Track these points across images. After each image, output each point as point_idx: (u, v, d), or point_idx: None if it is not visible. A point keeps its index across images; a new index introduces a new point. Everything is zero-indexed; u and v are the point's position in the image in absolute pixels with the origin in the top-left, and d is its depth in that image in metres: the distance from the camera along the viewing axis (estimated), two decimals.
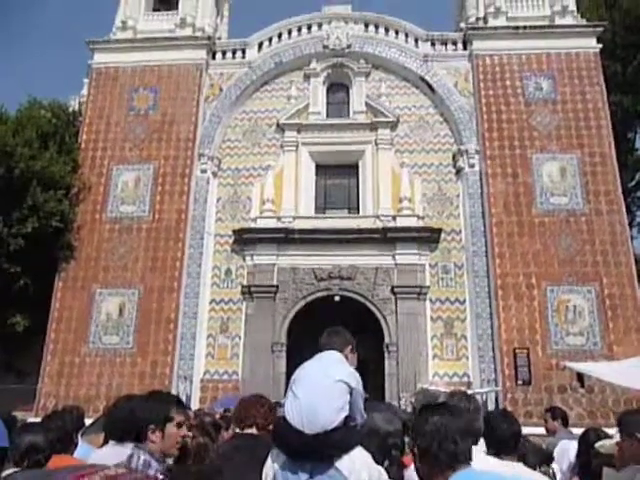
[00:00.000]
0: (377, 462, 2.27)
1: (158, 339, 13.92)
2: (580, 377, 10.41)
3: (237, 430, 3.12)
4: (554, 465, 4.94)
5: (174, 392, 11.36)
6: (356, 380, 2.46)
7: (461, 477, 1.68)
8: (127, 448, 2.38)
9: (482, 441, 2.79)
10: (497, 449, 2.80)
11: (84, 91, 18.70)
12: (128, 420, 2.31)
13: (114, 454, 2.35)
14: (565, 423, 6.02)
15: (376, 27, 16.84)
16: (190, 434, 2.46)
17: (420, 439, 1.77)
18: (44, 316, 14.11)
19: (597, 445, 3.14)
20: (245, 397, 3.25)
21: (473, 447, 2.37)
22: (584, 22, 16.17)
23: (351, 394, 2.39)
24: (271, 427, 2.91)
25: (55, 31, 55.22)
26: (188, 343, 14.12)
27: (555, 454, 4.90)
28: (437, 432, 1.73)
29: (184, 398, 11.92)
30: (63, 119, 16.16)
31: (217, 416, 5.65)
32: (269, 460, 2.41)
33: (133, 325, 14.05)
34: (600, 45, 15.76)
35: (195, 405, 12.62)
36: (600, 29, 15.98)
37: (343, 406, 2.32)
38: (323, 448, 2.23)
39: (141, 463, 2.14)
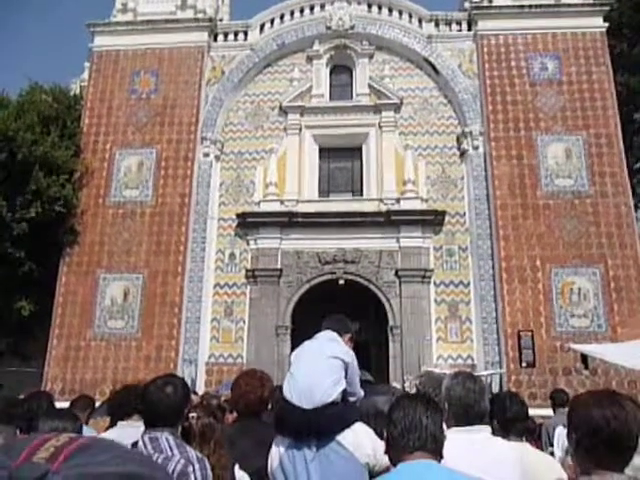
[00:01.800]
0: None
1: (163, 323, 13.98)
2: (584, 359, 10.40)
3: (235, 414, 3.12)
4: (555, 448, 4.99)
5: (179, 375, 11.42)
6: (351, 357, 2.53)
7: (410, 467, 1.68)
8: (137, 428, 2.37)
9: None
10: (507, 430, 2.81)
11: (85, 75, 18.56)
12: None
13: (126, 435, 2.34)
14: (560, 404, 6.06)
15: (379, 7, 16.57)
16: (195, 415, 2.46)
17: (390, 425, 1.81)
18: (49, 301, 14.16)
19: None
20: (235, 380, 3.08)
21: (479, 427, 2.37)
22: (590, 1, 15.89)
23: (346, 370, 2.43)
24: (266, 405, 2.93)
25: (55, 14, 54.75)
26: (193, 327, 14.17)
27: (555, 437, 4.96)
28: (403, 419, 1.76)
29: (189, 381, 11.99)
30: (64, 103, 16.03)
31: (222, 399, 5.69)
32: (273, 446, 2.42)
33: (138, 309, 14.10)
34: (606, 24, 15.49)
35: (201, 388, 12.70)
36: (606, 8, 15.69)
37: (339, 380, 2.37)
38: (323, 422, 2.25)
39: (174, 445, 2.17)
